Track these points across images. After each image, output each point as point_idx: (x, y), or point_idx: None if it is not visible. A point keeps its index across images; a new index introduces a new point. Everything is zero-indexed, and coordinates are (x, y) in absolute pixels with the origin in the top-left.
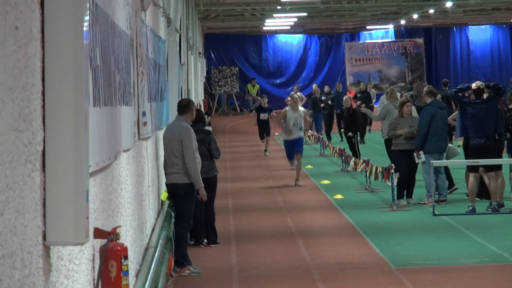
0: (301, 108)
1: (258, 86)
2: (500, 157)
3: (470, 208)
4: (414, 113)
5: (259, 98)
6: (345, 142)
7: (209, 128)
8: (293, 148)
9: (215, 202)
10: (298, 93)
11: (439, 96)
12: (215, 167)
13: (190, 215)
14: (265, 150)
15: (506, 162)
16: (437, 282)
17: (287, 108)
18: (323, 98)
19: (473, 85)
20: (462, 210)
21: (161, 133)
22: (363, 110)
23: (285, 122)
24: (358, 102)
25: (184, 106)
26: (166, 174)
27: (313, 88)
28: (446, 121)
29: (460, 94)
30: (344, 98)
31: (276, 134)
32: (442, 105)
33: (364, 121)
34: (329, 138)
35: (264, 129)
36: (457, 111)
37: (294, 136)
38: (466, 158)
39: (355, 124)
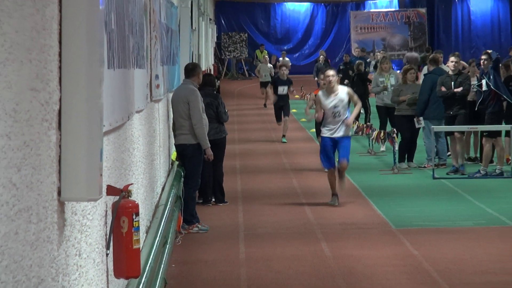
0: (342, 88)
1: (266, 52)
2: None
3: (482, 173)
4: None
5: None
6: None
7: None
8: (332, 150)
9: (223, 163)
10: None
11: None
12: (224, 130)
13: (198, 174)
14: (283, 136)
15: (505, 128)
16: (435, 242)
17: (320, 93)
18: (341, 67)
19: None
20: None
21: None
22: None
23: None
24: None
25: (190, 69)
26: (174, 136)
27: (320, 55)
28: None
29: None
30: (357, 62)
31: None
32: (444, 73)
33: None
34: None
35: (281, 108)
36: None
37: (336, 134)
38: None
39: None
